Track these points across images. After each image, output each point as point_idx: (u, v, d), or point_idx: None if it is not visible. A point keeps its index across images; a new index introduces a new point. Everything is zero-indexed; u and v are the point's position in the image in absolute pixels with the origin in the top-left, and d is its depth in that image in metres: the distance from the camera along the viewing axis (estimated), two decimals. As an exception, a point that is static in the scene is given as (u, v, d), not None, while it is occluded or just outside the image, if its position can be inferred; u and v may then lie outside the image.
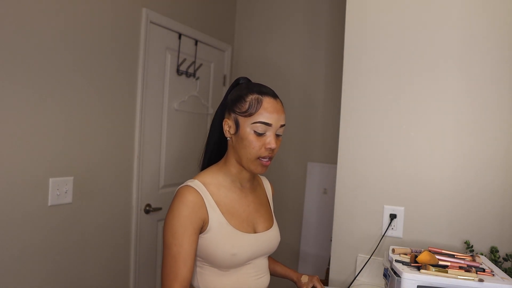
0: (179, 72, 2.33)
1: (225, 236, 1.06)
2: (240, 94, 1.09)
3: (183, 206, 1.03)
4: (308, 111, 2.62)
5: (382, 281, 1.51)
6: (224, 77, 2.79)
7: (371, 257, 1.54)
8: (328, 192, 2.54)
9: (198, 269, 1.10)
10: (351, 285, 1.53)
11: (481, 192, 1.42)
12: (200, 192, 1.06)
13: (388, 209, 1.55)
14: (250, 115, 1.05)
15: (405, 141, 1.52)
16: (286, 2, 2.71)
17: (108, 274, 1.95)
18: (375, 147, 1.57)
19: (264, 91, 1.09)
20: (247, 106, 1.06)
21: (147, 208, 2.16)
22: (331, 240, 1.67)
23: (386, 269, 1.21)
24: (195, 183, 1.08)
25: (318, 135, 2.59)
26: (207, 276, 1.09)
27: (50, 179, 1.62)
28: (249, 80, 1.18)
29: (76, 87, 1.71)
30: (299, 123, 2.64)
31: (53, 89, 1.62)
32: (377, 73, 1.56)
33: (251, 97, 1.07)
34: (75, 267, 1.77)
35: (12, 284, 1.52)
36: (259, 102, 1.06)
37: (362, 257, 1.58)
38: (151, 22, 2.09)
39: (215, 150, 1.19)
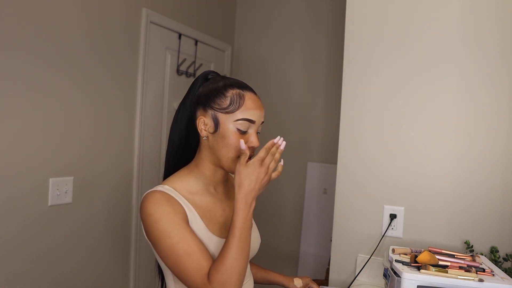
0: (179, 72, 2.33)
1: (205, 244, 0.94)
2: (217, 88, 0.99)
3: (160, 205, 0.92)
4: (308, 111, 2.62)
5: (382, 281, 1.51)
6: (224, 77, 2.79)
7: (371, 257, 1.54)
8: (328, 192, 2.54)
9: (176, 284, 0.98)
10: (351, 285, 1.53)
11: (481, 192, 1.42)
12: (172, 195, 0.95)
13: (388, 209, 1.55)
14: (232, 111, 0.96)
15: (405, 141, 1.52)
16: (286, 2, 2.71)
17: (108, 274, 1.95)
18: (375, 147, 1.57)
19: (244, 85, 1.00)
20: (228, 101, 0.96)
21: (147, 208, 2.16)
22: (331, 240, 1.67)
23: (386, 269, 1.21)
24: (164, 188, 0.97)
25: (318, 135, 2.59)
26: None
27: (50, 179, 1.62)
28: (218, 74, 1.07)
29: (76, 87, 1.71)
30: (299, 123, 2.64)
31: (53, 89, 1.62)
32: (377, 74, 1.56)
33: (232, 92, 0.97)
34: (75, 267, 1.76)
35: (12, 284, 1.52)
36: (241, 98, 0.97)
37: (362, 257, 1.58)
38: (151, 22, 2.09)
39: (180, 152, 1.07)
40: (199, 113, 1.00)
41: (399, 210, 1.53)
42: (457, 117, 1.45)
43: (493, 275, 1.08)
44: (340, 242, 1.64)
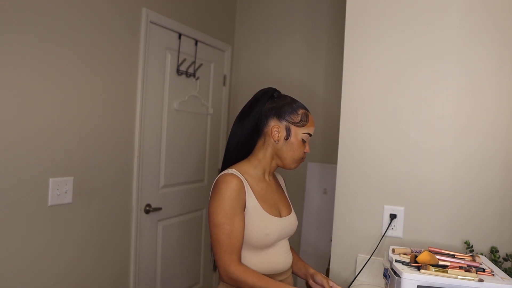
0: (179, 72, 2.33)
1: (259, 218, 1.22)
2: (291, 106, 1.29)
3: (231, 189, 1.18)
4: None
5: (382, 281, 1.51)
6: (224, 77, 2.79)
7: (371, 257, 1.54)
8: (328, 192, 2.54)
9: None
10: (351, 285, 1.53)
11: (481, 192, 1.42)
12: (241, 178, 1.21)
13: (388, 209, 1.55)
14: (302, 126, 1.28)
15: (405, 141, 1.52)
16: (286, 2, 2.71)
17: (108, 274, 1.95)
18: (375, 147, 1.57)
19: (307, 108, 1.32)
20: (299, 118, 1.28)
21: (147, 208, 2.16)
22: (331, 240, 1.67)
23: (386, 269, 1.21)
24: (234, 171, 1.23)
25: (318, 135, 2.59)
26: (242, 258, 1.22)
27: (50, 179, 1.62)
28: (280, 92, 1.35)
29: (76, 87, 1.71)
30: (299, 123, 2.63)
31: (53, 89, 1.62)
32: (377, 73, 1.56)
33: (302, 111, 1.29)
34: (74, 267, 1.77)
35: (12, 284, 1.52)
36: (307, 117, 1.29)
37: (362, 257, 1.58)
38: (151, 22, 2.09)
39: (240, 149, 1.32)
40: (273, 122, 1.28)
41: (399, 210, 1.53)
42: (457, 117, 1.45)
43: (493, 275, 1.08)
44: (340, 242, 1.64)
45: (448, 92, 1.46)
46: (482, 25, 1.41)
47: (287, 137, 1.27)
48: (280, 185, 1.45)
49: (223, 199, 1.18)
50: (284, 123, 1.27)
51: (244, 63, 2.87)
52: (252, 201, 1.23)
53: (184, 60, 2.35)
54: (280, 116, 1.28)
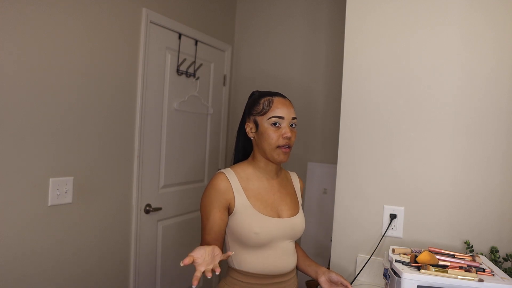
0: (179, 72, 2.33)
1: (248, 217, 1.23)
2: (254, 99, 1.33)
3: (211, 189, 1.25)
4: (308, 111, 2.62)
5: (382, 281, 1.51)
6: (224, 77, 2.79)
7: (371, 257, 1.55)
8: (328, 192, 2.54)
9: (232, 249, 1.28)
10: (351, 285, 1.53)
11: (481, 192, 1.42)
12: (229, 178, 1.26)
13: (388, 209, 1.55)
14: (265, 113, 1.27)
15: (405, 141, 1.52)
16: (286, 2, 2.71)
17: (108, 274, 1.95)
18: (375, 147, 1.57)
19: (273, 93, 1.32)
20: (261, 107, 1.28)
21: (147, 208, 2.16)
22: (331, 240, 1.67)
23: (386, 269, 1.21)
24: (227, 170, 1.29)
25: (318, 135, 2.59)
26: (239, 255, 1.26)
27: (50, 179, 1.62)
28: (259, 91, 1.38)
29: (75, 87, 1.71)
30: (299, 123, 2.63)
31: (52, 90, 1.62)
32: (377, 74, 1.56)
33: (264, 100, 1.30)
34: (74, 267, 1.77)
35: (12, 284, 1.52)
36: (270, 102, 1.28)
37: (362, 257, 1.58)
38: (151, 22, 2.09)
39: (241, 152, 1.39)
40: (246, 121, 1.33)
41: (399, 210, 1.53)
42: (457, 117, 1.45)
43: (493, 275, 1.08)
44: (340, 242, 1.64)
45: (449, 92, 1.46)
46: (482, 28, 1.41)
47: (256, 130, 1.29)
48: (293, 186, 1.43)
49: (204, 196, 1.26)
50: (252, 118, 1.31)
51: (244, 63, 2.87)
52: (242, 200, 1.24)
53: (184, 60, 2.35)
54: (248, 114, 1.33)
